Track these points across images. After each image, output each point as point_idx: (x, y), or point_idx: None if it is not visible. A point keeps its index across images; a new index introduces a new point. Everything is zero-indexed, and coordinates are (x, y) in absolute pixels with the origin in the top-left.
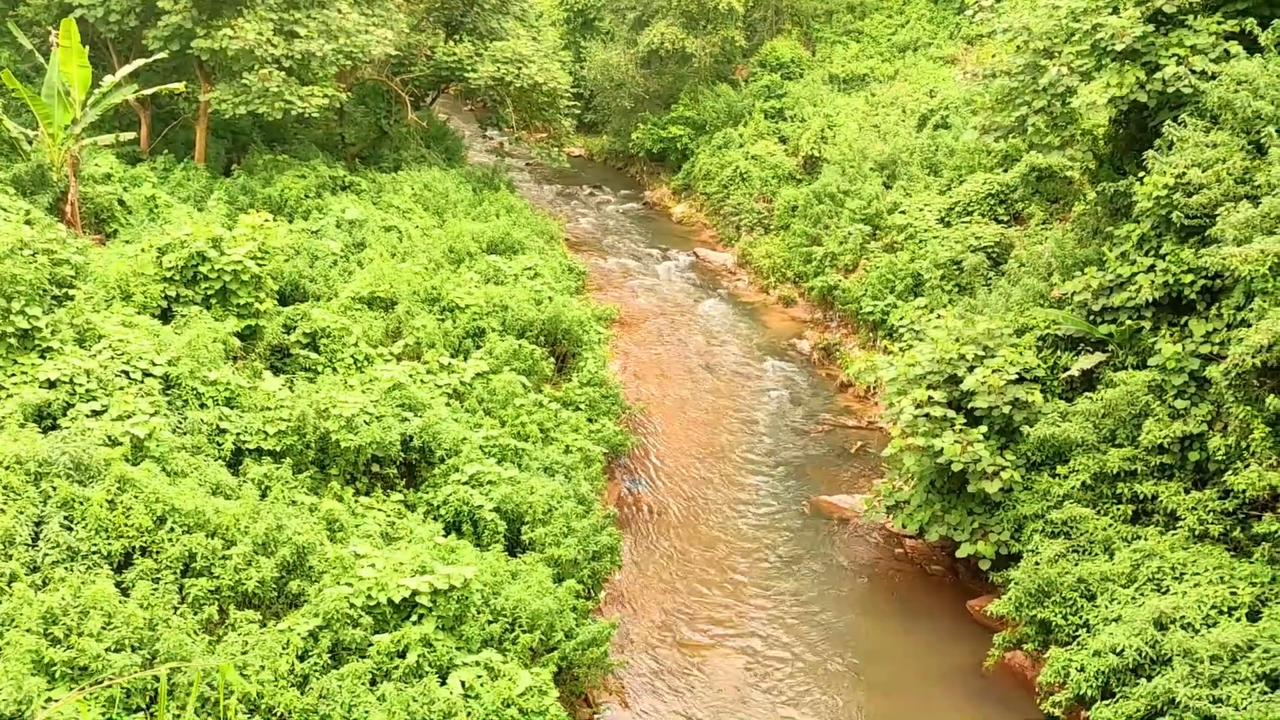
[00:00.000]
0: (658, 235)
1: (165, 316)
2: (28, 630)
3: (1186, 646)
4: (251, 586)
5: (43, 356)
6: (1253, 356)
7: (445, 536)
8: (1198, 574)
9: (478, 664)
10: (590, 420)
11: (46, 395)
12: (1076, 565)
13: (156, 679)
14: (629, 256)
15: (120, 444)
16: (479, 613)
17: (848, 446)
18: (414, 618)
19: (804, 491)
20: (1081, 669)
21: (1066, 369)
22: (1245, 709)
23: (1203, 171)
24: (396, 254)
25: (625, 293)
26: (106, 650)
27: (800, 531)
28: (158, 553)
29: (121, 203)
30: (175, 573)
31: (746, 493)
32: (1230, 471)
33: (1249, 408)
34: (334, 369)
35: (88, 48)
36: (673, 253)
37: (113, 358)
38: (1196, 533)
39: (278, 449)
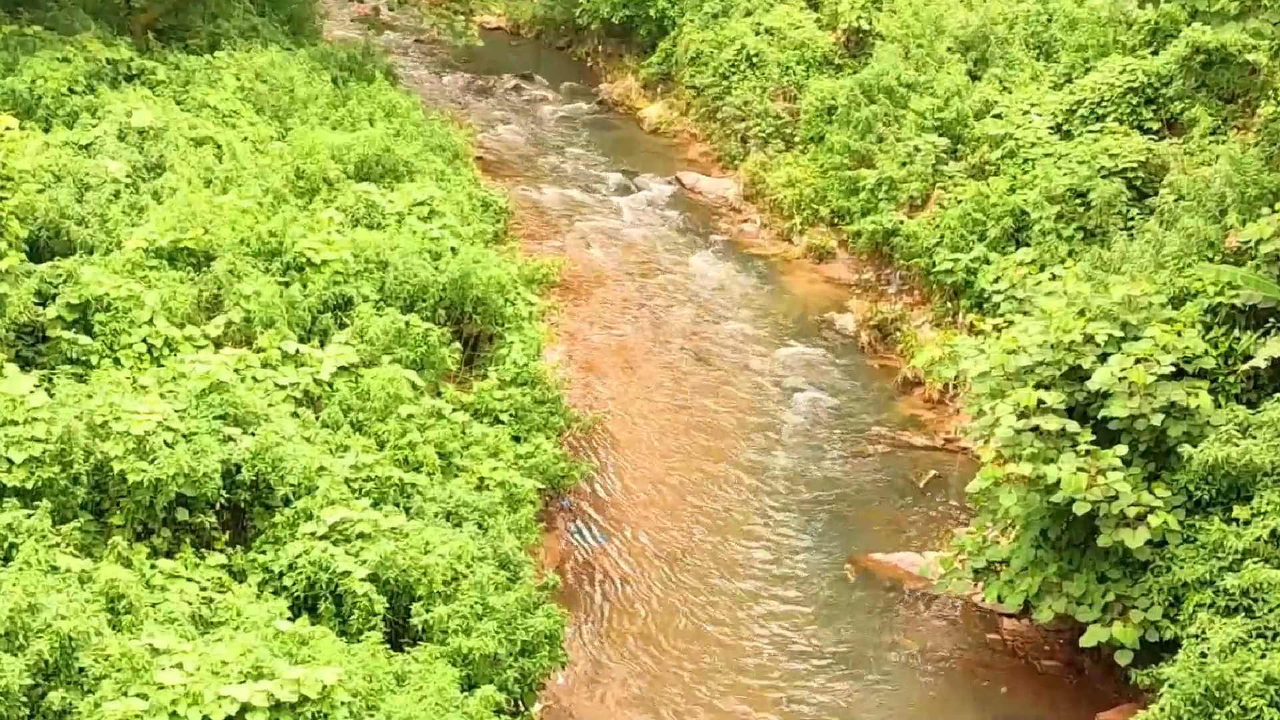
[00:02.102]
0: (621, 151)
1: None
2: None
3: None
4: None
5: None
6: None
7: (293, 619)
8: None
9: None
10: (517, 439)
11: None
12: (1264, 657)
13: None
14: (577, 185)
15: None
16: None
17: (913, 477)
18: None
19: (846, 546)
20: None
21: (1249, 358)
22: None
23: None
24: (214, 181)
25: (571, 241)
26: None
27: (841, 608)
28: None
29: None
30: None
31: (757, 548)
32: None
33: None
34: (116, 360)
35: None
36: (645, 178)
37: None
38: None
39: (29, 485)
